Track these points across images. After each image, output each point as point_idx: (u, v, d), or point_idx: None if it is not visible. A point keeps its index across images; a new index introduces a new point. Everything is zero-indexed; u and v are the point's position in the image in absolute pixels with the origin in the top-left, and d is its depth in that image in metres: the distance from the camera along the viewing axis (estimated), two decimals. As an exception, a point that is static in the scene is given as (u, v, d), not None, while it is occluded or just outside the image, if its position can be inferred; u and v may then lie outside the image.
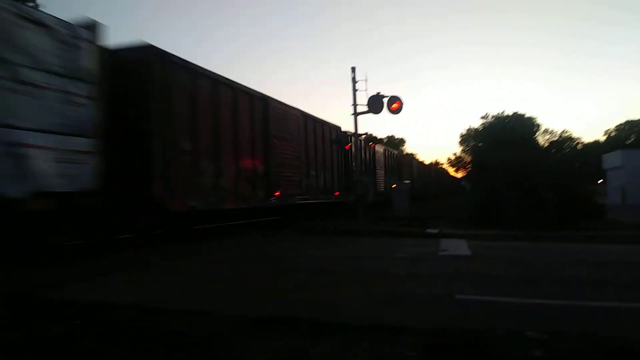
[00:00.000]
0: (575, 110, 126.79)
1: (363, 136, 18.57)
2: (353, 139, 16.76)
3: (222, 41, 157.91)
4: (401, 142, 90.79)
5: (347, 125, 18.97)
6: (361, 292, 6.44)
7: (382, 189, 23.85)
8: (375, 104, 15.27)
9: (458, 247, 10.80)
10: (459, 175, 77.71)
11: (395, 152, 32.91)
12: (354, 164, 17.67)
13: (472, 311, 5.49)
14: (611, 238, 12.53)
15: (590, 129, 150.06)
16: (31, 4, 22.52)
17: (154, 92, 9.61)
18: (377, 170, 23.67)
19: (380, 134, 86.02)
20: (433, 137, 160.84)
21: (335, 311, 5.33)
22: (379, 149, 25.27)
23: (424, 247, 11.03)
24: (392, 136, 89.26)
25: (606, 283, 7.07)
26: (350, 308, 5.56)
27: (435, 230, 14.40)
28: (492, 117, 52.16)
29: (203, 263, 8.99)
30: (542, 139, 55.44)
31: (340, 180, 18.91)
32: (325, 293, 6.36)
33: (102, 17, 9.11)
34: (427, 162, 67.44)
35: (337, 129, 19.62)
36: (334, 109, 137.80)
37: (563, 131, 65.45)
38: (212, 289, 6.62)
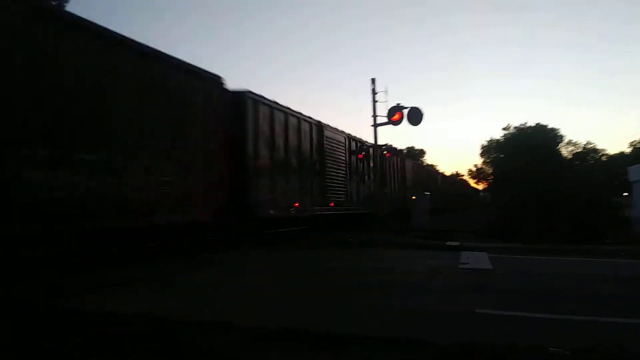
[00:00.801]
0: (600, 122, 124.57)
1: (383, 147, 18.48)
2: (372, 149, 16.77)
3: (243, 52, 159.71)
4: (421, 153, 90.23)
5: (367, 136, 19.09)
6: (380, 305, 6.43)
7: (402, 201, 23.73)
8: (394, 115, 15.27)
9: (479, 260, 10.67)
10: (480, 187, 76.85)
11: (415, 163, 32.75)
12: (371, 175, 17.61)
13: (491, 325, 5.44)
14: (636, 253, 12.23)
15: (615, 140, 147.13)
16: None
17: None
18: (397, 182, 23.60)
19: (400, 144, 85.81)
20: (454, 149, 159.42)
21: (353, 324, 5.32)
22: (399, 160, 25.21)
23: (444, 259, 10.94)
24: (412, 147, 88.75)
25: (627, 298, 6.94)
26: (369, 320, 5.55)
27: (455, 243, 14.28)
28: (514, 128, 51.50)
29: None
30: (565, 151, 54.53)
31: (361, 191, 18.91)
32: (343, 305, 6.37)
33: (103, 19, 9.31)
34: (447, 173, 66.91)
35: (359, 140, 19.86)
36: (354, 119, 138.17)
37: (587, 143, 64.31)
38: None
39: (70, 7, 27.77)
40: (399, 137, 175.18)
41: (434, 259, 11.16)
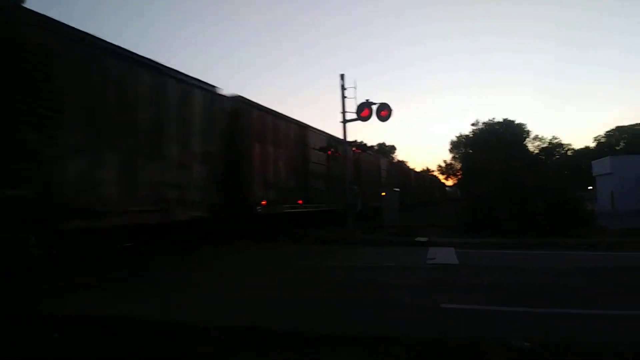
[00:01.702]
0: (565, 117, 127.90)
1: (352, 143, 18.48)
2: (341, 146, 16.74)
3: (213, 47, 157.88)
4: (392, 149, 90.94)
5: (336, 132, 19.01)
6: (346, 302, 6.44)
7: (371, 197, 23.83)
8: (363, 111, 15.27)
9: (446, 255, 10.78)
10: (450, 182, 77.99)
11: (385, 159, 32.97)
12: (343, 172, 17.58)
13: (456, 320, 5.49)
14: (598, 245, 12.57)
15: (580, 135, 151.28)
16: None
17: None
18: (365, 178, 23.69)
19: (371, 141, 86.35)
20: (424, 144, 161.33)
21: (320, 321, 5.29)
22: (368, 156, 25.32)
23: (413, 255, 11.03)
24: (383, 143, 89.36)
25: (587, 290, 7.13)
26: (335, 318, 5.53)
27: (424, 239, 14.38)
28: (482, 123, 52.39)
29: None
30: (531, 146, 55.77)
31: (328, 188, 18.94)
32: (310, 303, 6.34)
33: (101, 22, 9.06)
34: (418, 169, 67.65)
35: (326, 135, 19.88)
36: (323, 115, 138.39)
37: (552, 137, 65.90)
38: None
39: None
40: (370, 133, 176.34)
41: (403, 255, 11.26)
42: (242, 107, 13.71)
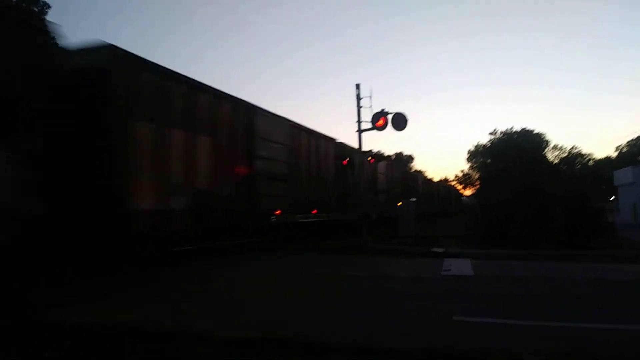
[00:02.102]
0: (586, 126, 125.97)
1: (368, 153, 18.47)
2: (356, 155, 16.71)
3: (224, 54, 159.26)
4: (409, 159, 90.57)
5: (352, 142, 19.01)
6: (355, 313, 6.38)
7: (387, 207, 23.73)
8: (379, 121, 15.25)
9: (461, 266, 10.66)
10: (468, 192, 77.24)
11: (402, 169, 32.82)
12: (358, 182, 17.56)
13: (468, 333, 5.40)
14: (618, 257, 12.31)
15: (601, 144, 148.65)
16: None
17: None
18: (382, 188, 23.63)
19: (389, 150, 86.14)
20: (442, 154, 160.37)
21: (328, 332, 5.26)
22: (383, 166, 25.25)
23: (427, 266, 10.93)
24: (401, 153, 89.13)
25: (605, 303, 6.96)
26: (343, 329, 5.48)
27: (440, 250, 14.25)
28: (501, 133, 51.90)
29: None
30: (551, 155, 55.02)
31: (343, 197, 18.91)
32: (319, 314, 6.31)
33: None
34: (435, 179, 67.21)
35: (341, 145, 19.93)
36: (340, 125, 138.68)
37: (572, 147, 64.94)
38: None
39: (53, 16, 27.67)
40: (388, 143, 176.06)
41: (418, 266, 11.16)
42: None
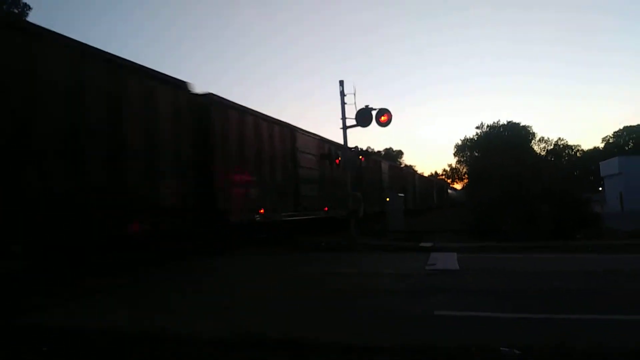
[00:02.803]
0: (572, 118, 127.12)
1: (353, 149, 18.32)
2: (341, 152, 16.69)
3: (208, 51, 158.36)
4: (399, 154, 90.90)
5: (338, 139, 18.96)
6: (337, 310, 6.36)
7: (375, 203, 23.72)
8: (363, 117, 15.23)
9: (447, 261, 10.66)
10: (457, 186, 77.55)
11: (390, 164, 32.82)
12: (345, 178, 17.51)
13: (449, 327, 5.40)
14: (603, 247, 12.40)
15: (587, 136, 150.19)
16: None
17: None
18: (369, 184, 23.59)
19: (378, 146, 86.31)
20: (431, 149, 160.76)
21: (308, 330, 5.21)
22: (370, 162, 25.21)
23: (414, 261, 10.90)
24: (390, 148, 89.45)
25: (589, 294, 6.99)
26: (324, 327, 5.44)
27: (428, 244, 14.26)
28: (487, 126, 52.10)
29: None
30: (537, 148, 55.36)
31: (329, 194, 18.86)
32: (301, 312, 6.27)
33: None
34: (425, 174, 67.34)
35: (329, 142, 19.86)
36: (326, 122, 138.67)
37: (558, 139, 65.46)
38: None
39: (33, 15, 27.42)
40: (377, 139, 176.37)
41: (404, 262, 11.14)
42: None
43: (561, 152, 64.85)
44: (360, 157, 20.78)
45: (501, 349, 4.34)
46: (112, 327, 5.35)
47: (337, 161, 18.55)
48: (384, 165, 29.47)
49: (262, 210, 13.68)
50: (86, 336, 5.03)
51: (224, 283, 8.77)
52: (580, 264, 10.17)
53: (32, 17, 26.98)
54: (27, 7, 27.14)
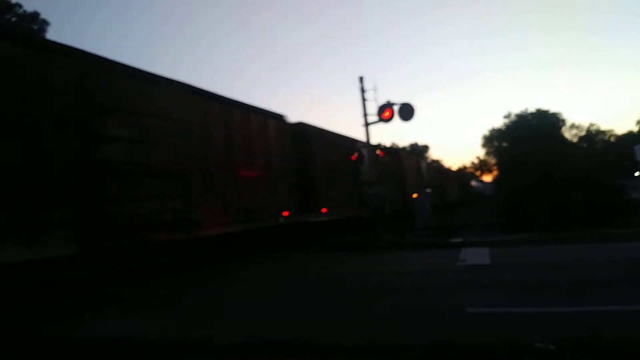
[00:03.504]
0: (604, 103, 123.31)
1: (376, 146, 18.22)
2: (366, 149, 16.55)
3: (228, 53, 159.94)
4: (425, 149, 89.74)
5: (361, 135, 18.77)
6: (366, 311, 6.26)
7: (401, 199, 23.45)
8: (385, 113, 15.04)
9: (478, 256, 10.43)
10: (486, 178, 76.04)
11: (415, 159, 32.40)
12: (369, 176, 17.36)
13: (480, 324, 5.26)
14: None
15: (621, 120, 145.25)
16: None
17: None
18: (394, 180, 23.34)
19: (403, 142, 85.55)
20: (458, 141, 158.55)
21: (336, 331, 5.15)
22: (396, 157, 24.96)
23: (443, 258, 10.72)
24: (416, 143, 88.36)
25: (623, 285, 6.74)
26: (355, 326, 5.38)
27: (458, 240, 14.02)
28: (515, 115, 50.76)
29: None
30: (569, 134, 53.68)
31: (354, 193, 18.73)
32: (328, 313, 6.21)
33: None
34: (454, 167, 66.34)
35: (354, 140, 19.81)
36: (349, 118, 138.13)
37: (590, 124, 63.34)
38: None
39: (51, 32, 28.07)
40: (403, 134, 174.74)
41: (434, 258, 10.96)
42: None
43: (594, 137, 62.80)
44: (379, 152, 20.60)
45: (535, 344, 4.18)
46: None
47: (353, 157, 18.30)
48: (409, 161, 29.09)
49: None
50: (105, 347, 5.03)
51: (252, 287, 8.78)
52: (617, 253, 9.80)
53: (51, 34, 27.64)
54: (45, 23, 27.68)
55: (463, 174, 64.51)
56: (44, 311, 6.80)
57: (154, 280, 9.05)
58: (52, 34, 27.66)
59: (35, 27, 23.13)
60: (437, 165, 46.41)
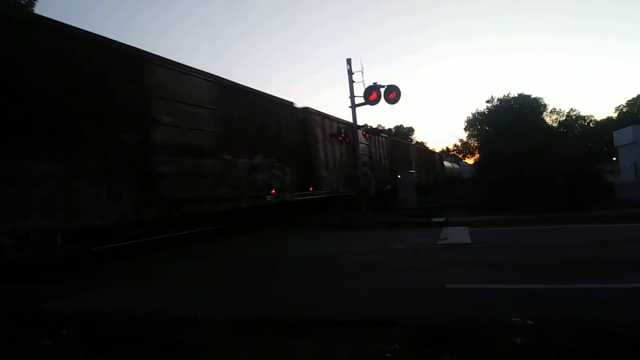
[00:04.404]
0: (584, 89, 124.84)
1: (362, 127, 18.29)
2: (351, 130, 16.65)
3: (215, 35, 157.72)
4: (410, 131, 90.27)
5: (347, 117, 18.90)
6: (352, 286, 6.43)
7: (386, 180, 23.67)
8: (371, 95, 15.15)
9: (458, 235, 10.69)
10: (468, 161, 76.87)
11: (400, 141, 32.58)
12: (355, 157, 17.49)
13: (461, 300, 5.44)
14: (617, 217, 12.33)
15: (600, 106, 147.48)
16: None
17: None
18: (379, 161, 23.53)
19: (389, 124, 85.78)
20: (442, 124, 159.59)
21: (324, 307, 5.32)
22: (383, 140, 25.08)
23: (425, 237, 10.95)
24: (401, 125, 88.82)
25: (600, 264, 6.99)
26: (339, 303, 5.53)
27: (440, 219, 14.29)
28: (497, 100, 51.31)
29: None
30: (549, 120, 54.48)
31: (340, 173, 18.88)
32: (314, 289, 6.37)
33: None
34: (437, 150, 66.74)
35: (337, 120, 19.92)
36: (334, 99, 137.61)
37: (570, 110, 64.29)
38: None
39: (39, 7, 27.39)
40: (388, 116, 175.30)
41: (416, 237, 11.17)
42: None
43: (574, 123, 63.78)
44: (366, 134, 20.72)
45: (513, 319, 4.37)
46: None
47: (347, 140, 18.50)
48: (392, 142, 29.19)
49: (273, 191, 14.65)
50: (103, 319, 5.13)
51: (234, 265, 8.92)
52: (593, 234, 10.12)
53: (39, 8, 26.94)
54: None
55: (446, 156, 64.70)
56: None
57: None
58: (40, 9, 26.99)
59: (23, 2, 22.52)
60: (422, 147, 46.55)
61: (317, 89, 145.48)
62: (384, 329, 4.40)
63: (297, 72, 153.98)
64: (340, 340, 4.23)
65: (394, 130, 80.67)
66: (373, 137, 21.92)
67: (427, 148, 53.08)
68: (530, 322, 4.35)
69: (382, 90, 15.17)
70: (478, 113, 57.32)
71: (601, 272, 6.37)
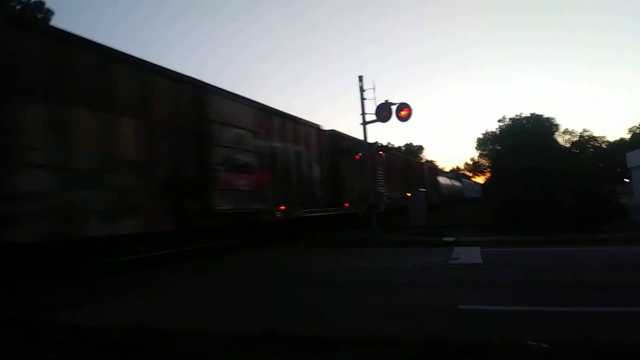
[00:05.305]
0: (597, 110, 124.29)
1: (374, 145, 18.45)
2: (363, 148, 16.68)
3: (230, 53, 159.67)
4: (420, 149, 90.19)
5: (358, 134, 19.05)
6: (361, 305, 6.40)
7: (397, 198, 23.65)
8: (383, 112, 15.20)
9: (470, 254, 10.62)
10: (479, 180, 76.48)
11: (411, 159, 32.60)
12: (366, 174, 17.50)
13: (473, 321, 5.38)
14: (629, 240, 12.17)
15: (613, 127, 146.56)
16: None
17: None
18: (389, 179, 23.52)
19: (398, 142, 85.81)
20: (453, 143, 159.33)
21: (331, 325, 5.28)
22: (392, 157, 25.12)
23: (436, 256, 10.88)
24: (411, 144, 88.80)
25: (613, 287, 6.91)
26: (346, 322, 5.49)
27: (451, 239, 14.20)
28: (510, 119, 51.17)
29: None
30: (562, 140, 54.14)
31: (355, 190, 18.99)
32: (324, 307, 6.34)
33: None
34: (447, 169, 66.67)
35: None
36: (345, 117, 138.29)
37: (583, 130, 63.91)
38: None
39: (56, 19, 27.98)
40: (398, 134, 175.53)
41: (426, 256, 11.10)
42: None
43: (586, 143, 63.35)
44: (381, 152, 20.81)
45: (527, 342, 4.33)
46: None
47: (357, 157, 18.60)
48: (404, 161, 29.26)
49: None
50: (106, 333, 5.14)
51: (246, 281, 8.93)
52: (605, 256, 10.00)
53: (56, 20, 27.58)
54: (50, 12, 27.62)
55: (456, 175, 64.44)
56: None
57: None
58: (58, 23, 27.67)
59: (39, 16, 23.04)
60: (432, 166, 46.50)
61: (325, 104, 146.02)
62: (391, 348, 4.37)
63: (307, 88, 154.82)
64: (351, 358, 4.22)
65: (403, 148, 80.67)
66: (387, 155, 22.01)
67: (436, 166, 52.99)
68: (544, 345, 4.30)
69: (394, 107, 15.22)
70: (489, 133, 57.30)
71: (611, 296, 6.30)
